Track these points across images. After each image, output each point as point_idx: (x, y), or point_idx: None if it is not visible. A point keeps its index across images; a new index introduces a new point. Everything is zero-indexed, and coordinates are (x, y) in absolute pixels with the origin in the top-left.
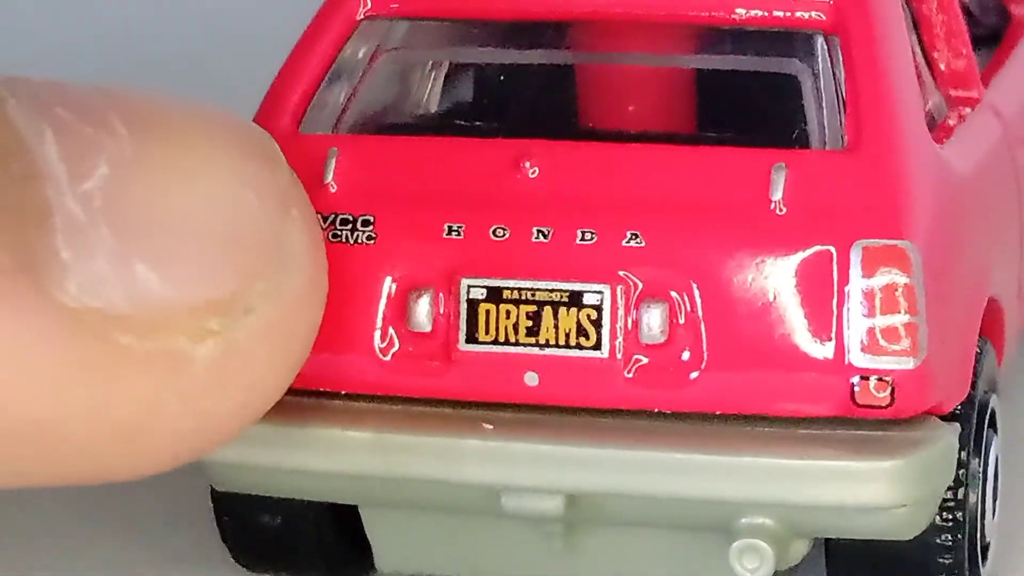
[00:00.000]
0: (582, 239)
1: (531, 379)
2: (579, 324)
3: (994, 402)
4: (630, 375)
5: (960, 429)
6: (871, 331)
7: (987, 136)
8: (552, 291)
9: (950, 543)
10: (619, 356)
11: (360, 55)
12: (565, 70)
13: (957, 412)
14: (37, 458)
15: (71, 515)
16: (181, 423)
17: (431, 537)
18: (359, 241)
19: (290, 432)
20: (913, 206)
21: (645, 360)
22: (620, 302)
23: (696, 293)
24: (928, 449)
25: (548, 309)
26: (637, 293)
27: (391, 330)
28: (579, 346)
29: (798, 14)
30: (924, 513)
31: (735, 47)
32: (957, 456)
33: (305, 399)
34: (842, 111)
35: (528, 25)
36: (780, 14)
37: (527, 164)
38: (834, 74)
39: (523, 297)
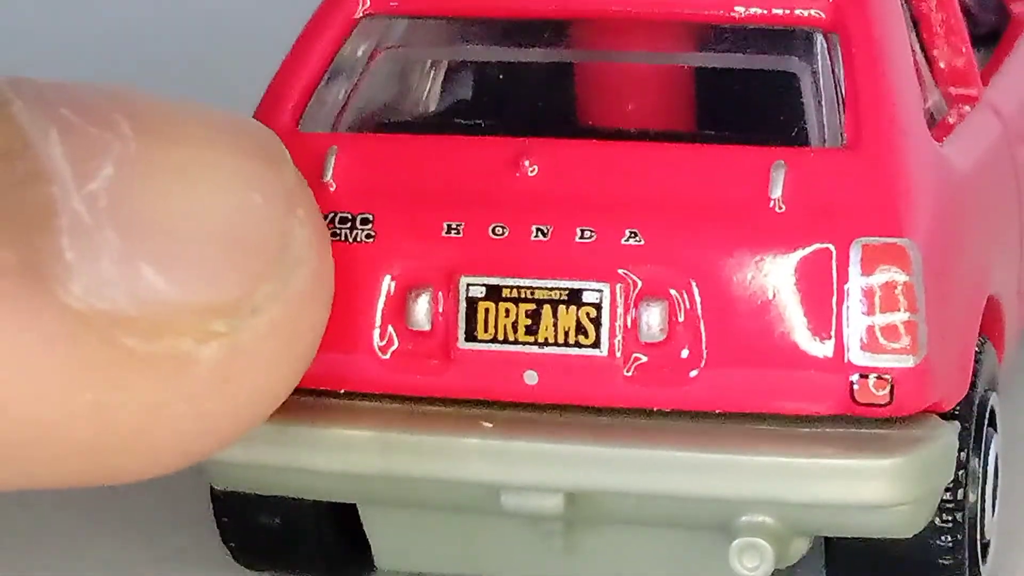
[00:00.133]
0: (581, 237)
1: (530, 377)
2: (578, 322)
3: (994, 400)
4: (629, 373)
5: (960, 427)
6: (871, 329)
7: (987, 134)
8: (551, 289)
9: (950, 542)
10: (618, 354)
11: (359, 53)
12: (564, 68)
13: (957, 410)
14: (41, 460)
15: (71, 515)
16: (186, 425)
17: (431, 536)
18: (358, 240)
19: (289, 431)
20: (913, 204)
21: (644, 359)
22: (619, 300)
23: (695, 291)
24: (928, 447)
25: (547, 307)
26: (636, 291)
27: (390, 329)
28: (578, 344)
29: (797, 12)
30: (924, 511)
31: (734, 45)
32: (957, 454)
33: (304, 398)
34: (841, 109)
35: (527, 23)
36: (780, 12)
37: (526, 162)
38: (833, 72)
39: (522, 295)
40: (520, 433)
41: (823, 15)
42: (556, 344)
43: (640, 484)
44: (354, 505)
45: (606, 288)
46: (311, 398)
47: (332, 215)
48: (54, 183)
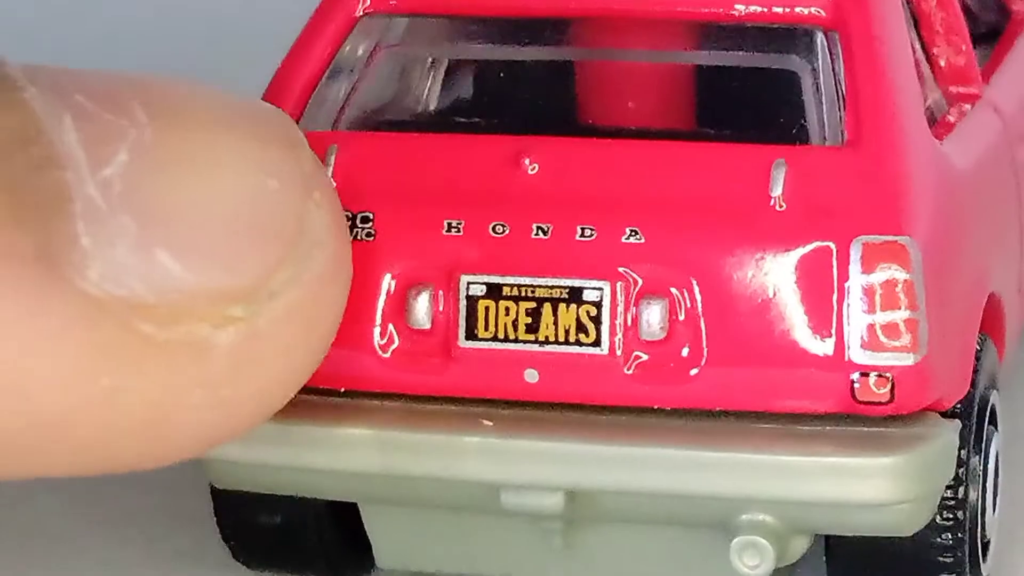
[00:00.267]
0: (582, 235)
1: (531, 376)
2: (579, 321)
3: (994, 398)
4: (630, 372)
5: (960, 425)
6: (871, 327)
7: (987, 132)
8: (552, 288)
9: (950, 540)
10: (619, 353)
11: (359, 52)
12: (564, 66)
13: (957, 408)
14: (58, 446)
15: (71, 515)
16: (204, 411)
17: (431, 534)
18: (358, 238)
19: (290, 430)
20: (913, 202)
21: (645, 357)
22: (620, 298)
23: (696, 289)
24: (928, 445)
25: (548, 306)
26: (637, 289)
27: (391, 327)
28: (579, 343)
29: (798, 10)
30: (924, 509)
31: (735, 43)
32: (957, 453)
33: (305, 397)
34: (842, 107)
35: (527, 21)
36: (780, 10)
37: (527, 161)
38: (834, 70)
39: (523, 294)
40: (520, 431)
41: (823, 13)
42: (556, 342)
43: (640, 482)
44: (354, 504)
45: (606, 286)
46: (311, 397)
47: None
48: (69, 169)
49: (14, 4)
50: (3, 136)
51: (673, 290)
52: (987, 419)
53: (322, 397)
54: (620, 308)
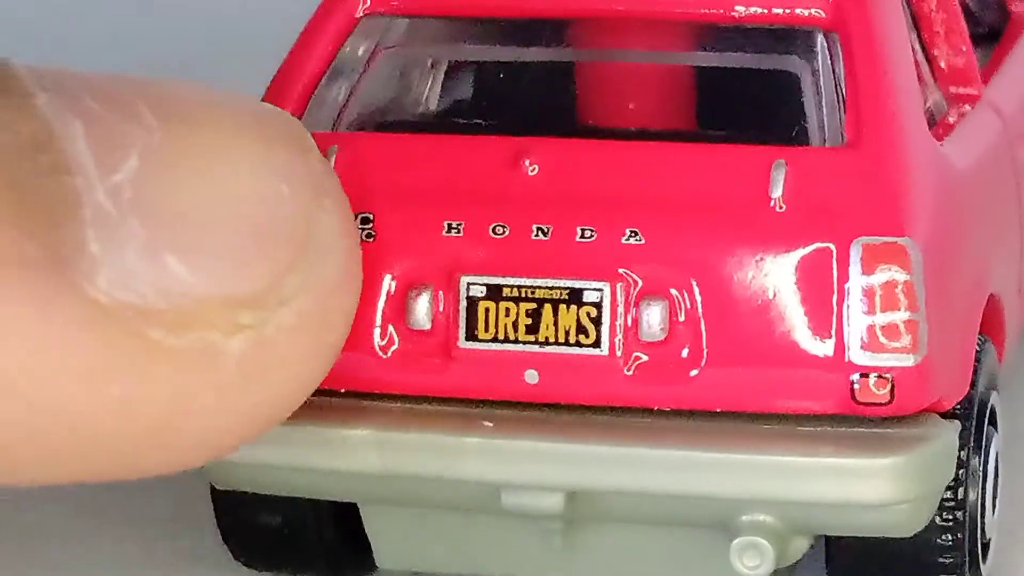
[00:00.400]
0: (582, 236)
1: (531, 376)
2: (579, 322)
3: (994, 399)
4: (630, 372)
5: (960, 426)
6: (871, 328)
7: (987, 133)
8: (552, 288)
9: (950, 540)
10: (619, 354)
11: (360, 53)
12: (565, 67)
13: (957, 409)
14: (66, 453)
15: (71, 515)
16: (213, 418)
17: (431, 535)
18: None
19: (290, 430)
20: (913, 203)
21: (645, 357)
22: (620, 299)
23: (696, 290)
24: (928, 446)
25: (548, 307)
26: (637, 290)
27: (391, 328)
28: (579, 344)
29: (798, 11)
30: (924, 510)
31: (735, 44)
32: (957, 453)
33: None
34: (842, 108)
35: (528, 22)
36: (780, 11)
37: (527, 161)
38: (834, 71)
39: (523, 295)
40: (520, 432)
41: (823, 14)
42: (556, 343)
43: (640, 483)
44: (354, 504)
45: (606, 287)
46: (312, 397)
47: None
48: (78, 175)
49: (14, 4)
50: (14, 142)
51: (673, 291)
52: (987, 420)
53: (322, 397)
54: (620, 309)
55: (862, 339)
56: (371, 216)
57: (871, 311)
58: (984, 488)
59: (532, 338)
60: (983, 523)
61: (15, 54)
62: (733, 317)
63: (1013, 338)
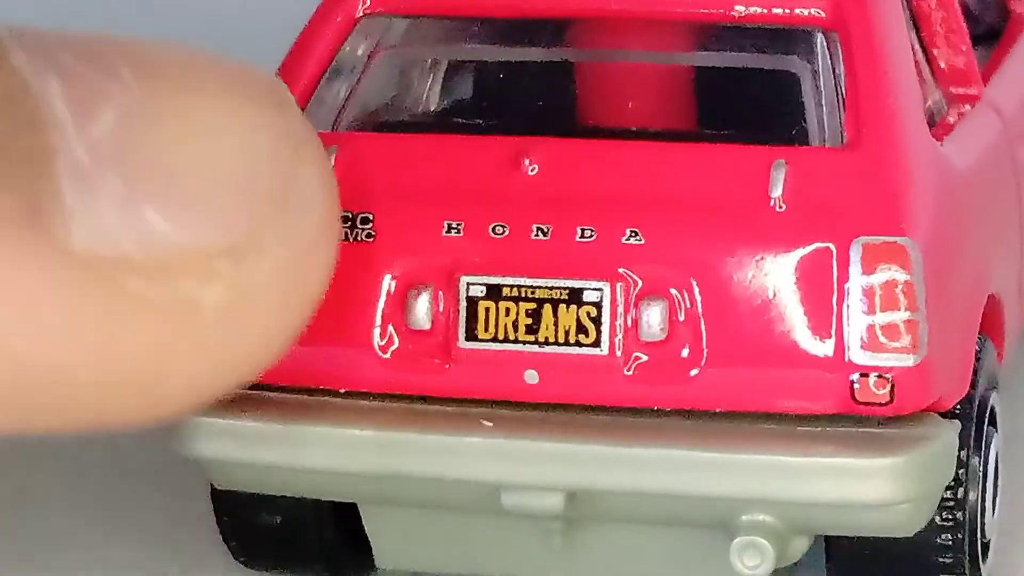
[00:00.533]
0: (581, 236)
1: (531, 377)
2: (579, 321)
3: (994, 399)
4: (630, 372)
5: (960, 426)
6: (871, 328)
7: (987, 133)
8: (552, 288)
9: (950, 540)
10: (619, 353)
11: (359, 52)
12: (564, 67)
13: (957, 409)
14: (47, 405)
15: (70, 515)
16: (194, 367)
17: (431, 535)
18: (358, 239)
19: (290, 430)
20: (913, 203)
21: (645, 357)
22: (620, 299)
23: (696, 290)
24: (928, 446)
25: (548, 307)
26: (637, 290)
27: (390, 328)
28: (579, 343)
29: (797, 11)
30: (924, 510)
31: (734, 44)
32: (957, 453)
33: (304, 397)
34: (842, 108)
35: (527, 22)
36: (780, 11)
37: (526, 161)
38: (834, 71)
39: (523, 294)
40: (520, 432)
41: (823, 14)
42: (556, 343)
43: (640, 483)
44: (354, 504)
45: (606, 287)
46: (311, 397)
47: None
48: (55, 129)
49: (14, 4)
50: None
51: (673, 291)
52: (987, 420)
53: (322, 397)
54: (620, 309)
55: (862, 339)
56: (371, 216)
57: (871, 311)
58: (984, 488)
59: (532, 338)
60: (983, 523)
61: None
62: (733, 317)
63: (1013, 338)
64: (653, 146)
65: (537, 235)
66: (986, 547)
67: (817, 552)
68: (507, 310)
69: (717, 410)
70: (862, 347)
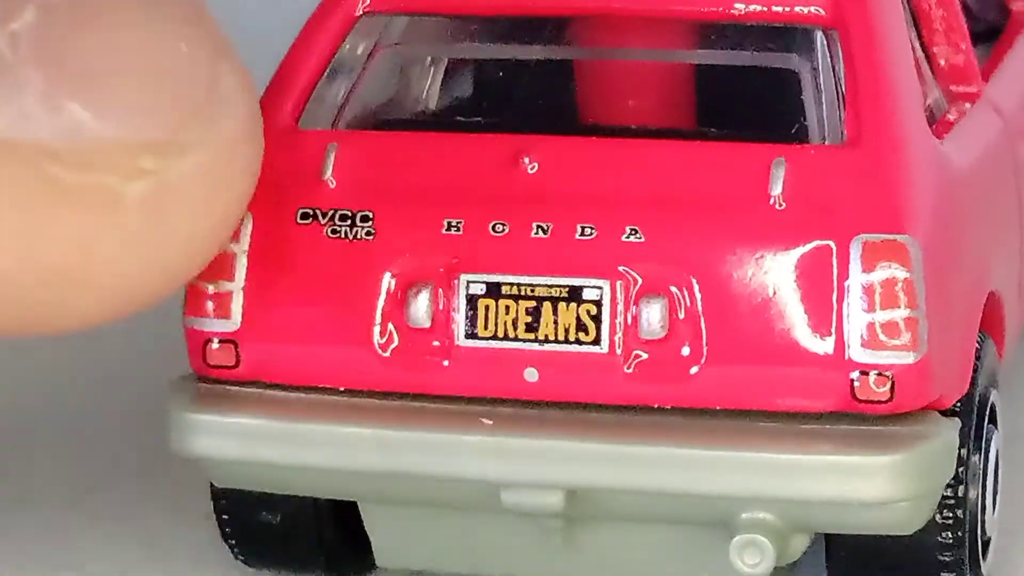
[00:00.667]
0: (581, 234)
1: (530, 375)
2: (579, 319)
3: (994, 397)
4: (630, 370)
5: (960, 424)
6: (871, 326)
7: (987, 131)
8: (551, 286)
9: (950, 538)
10: (619, 351)
11: (359, 51)
12: (564, 66)
13: (957, 407)
14: None
15: (71, 514)
16: (119, 266)
17: (431, 533)
18: (358, 237)
19: (289, 428)
20: (913, 201)
21: (645, 355)
22: (620, 297)
23: (696, 288)
24: (928, 444)
25: (547, 304)
26: (637, 288)
27: (390, 326)
28: (578, 341)
29: (797, 9)
30: (925, 508)
31: (734, 42)
32: (957, 451)
33: (304, 395)
34: (842, 106)
35: (527, 21)
36: (779, 9)
37: (526, 160)
38: (833, 69)
39: (522, 292)
40: (520, 430)
41: (823, 12)
42: (556, 341)
43: (640, 481)
44: (354, 503)
45: (606, 285)
46: (311, 395)
47: (332, 212)
48: None
49: None
50: None
51: (673, 289)
52: (987, 418)
53: (322, 396)
54: (620, 307)
55: (862, 337)
56: (370, 214)
57: (871, 309)
58: (984, 486)
59: (532, 336)
60: (983, 521)
61: None
62: (733, 315)
63: (1013, 336)
64: (653, 144)
65: (537, 233)
66: (986, 545)
67: (817, 551)
68: (507, 308)
69: (717, 408)
70: (862, 345)
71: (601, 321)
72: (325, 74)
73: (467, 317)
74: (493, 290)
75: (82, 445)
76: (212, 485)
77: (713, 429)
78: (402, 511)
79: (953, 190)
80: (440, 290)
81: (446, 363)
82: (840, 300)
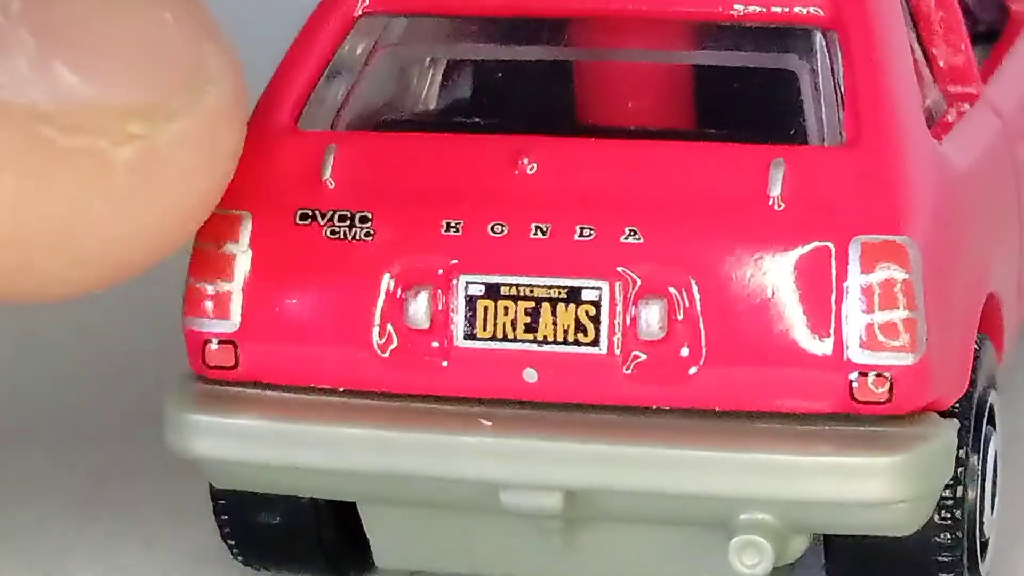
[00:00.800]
0: (580, 235)
1: (529, 375)
2: (578, 320)
3: (993, 398)
4: (629, 371)
5: (959, 425)
6: (870, 327)
7: (986, 132)
8: (550, 287)
9: (949, 539)
10: (618, 352)
11: (358, 51)
12: (563, 66)
13: (956, 408)
14: None
15: (71, 515)
16: (109, 229)
17: (430, 534)
18: (357, 238)
19: (289, 429)
20: (912, 202)
21: (644, 356)
22: (619, 298)
23: (695, 289)
24: (927, 445)
25: (546, 305)
26: (635, 289)
27: (389, 327)
28: (577, 342)
29: (796, 10)
30: (923, 509)
31: (734, 43)
32: (956, 452)
33: (304, 396)
34: (841, 107)
35: (526, 21)
36: (779, 10)
37: (525, 160)
38: (832, 70)
39: (521, 293)
40: (519, 431)
41: (822, 13)
42: (555, 342)
43: (639, 482)
44: (354, 503)
45: (605, 286)
46: (310, 396)
47: (331, 213)
48: None
49: None
50: None
51: (672, 290)
52: (986, 419)
53: (321, 397)
54: (619, 308)
55: (861, 338)
56: (369, 215)
57: (870, 310)
58: (983, 487)
59: (531, 337)
60: (982, 522)
61: None
62: (732, 316)
63: (1012, 337)
64: (652, 145)
65: (536, 234)
66: (985, 546)
67: (816, 551)
68: (506, 309)
69: (716, 409)
70: (861, 346)
71: (600, 322)
72: (324, 75)
73: (466, 318)
74: (492, 291)
75: (82, 445)
76: (211, 486)
77: (712, 430)
78: (401, 511)
79: (952, 191)
80: (439, 291)
81: (445, 364)
82: (839, 301)
